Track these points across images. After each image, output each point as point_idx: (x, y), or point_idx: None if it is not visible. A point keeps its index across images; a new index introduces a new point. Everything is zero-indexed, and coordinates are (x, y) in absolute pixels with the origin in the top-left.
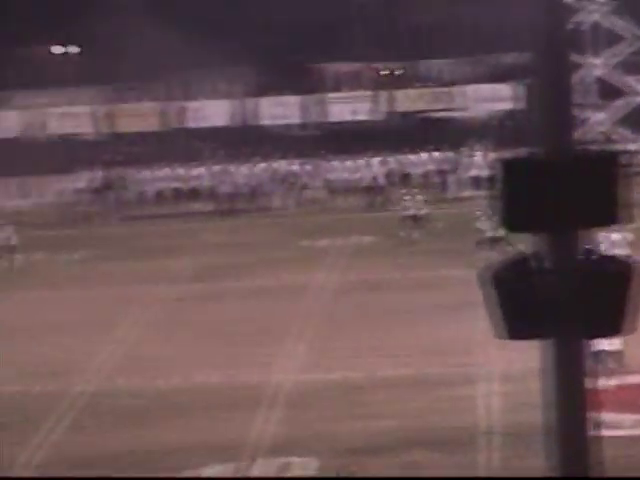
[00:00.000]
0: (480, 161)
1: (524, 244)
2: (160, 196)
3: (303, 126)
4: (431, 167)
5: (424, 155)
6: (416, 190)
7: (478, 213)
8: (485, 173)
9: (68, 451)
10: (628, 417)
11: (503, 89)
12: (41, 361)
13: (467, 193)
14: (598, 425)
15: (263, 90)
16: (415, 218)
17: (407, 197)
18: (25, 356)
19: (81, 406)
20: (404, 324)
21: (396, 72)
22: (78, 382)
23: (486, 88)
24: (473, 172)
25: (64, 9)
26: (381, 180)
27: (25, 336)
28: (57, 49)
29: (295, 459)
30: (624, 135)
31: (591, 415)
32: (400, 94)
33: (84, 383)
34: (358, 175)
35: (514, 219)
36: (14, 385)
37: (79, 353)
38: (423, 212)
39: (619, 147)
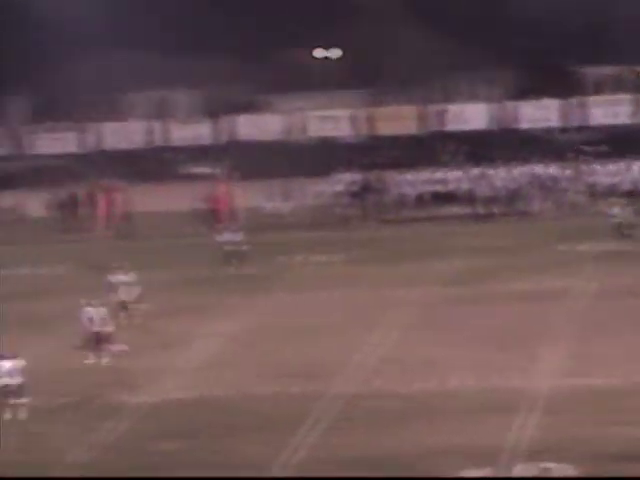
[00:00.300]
0: None
1: None
2: (419, 199)
3: (563, 130)
4: None
5: None
6: None
7: None
8: None
9: (324, 453)
10: None
11: None
12: (299, 362)
13: None
14: None
15: (522, 93)
16: None
17: None
18: (283, 357)
19: (338, 408)
20: None
21: None
22: (335, 384)
23: None
24: None
25: (327, 13)
26: None
27: (283, 337)
28: (319, 53)
29: (553, 465)
30: None
31: None
32: None
33: (341, 385)
34: (618, 179)
35: None
36: (272, 386)
37: (336, 355)
38: None
39: None
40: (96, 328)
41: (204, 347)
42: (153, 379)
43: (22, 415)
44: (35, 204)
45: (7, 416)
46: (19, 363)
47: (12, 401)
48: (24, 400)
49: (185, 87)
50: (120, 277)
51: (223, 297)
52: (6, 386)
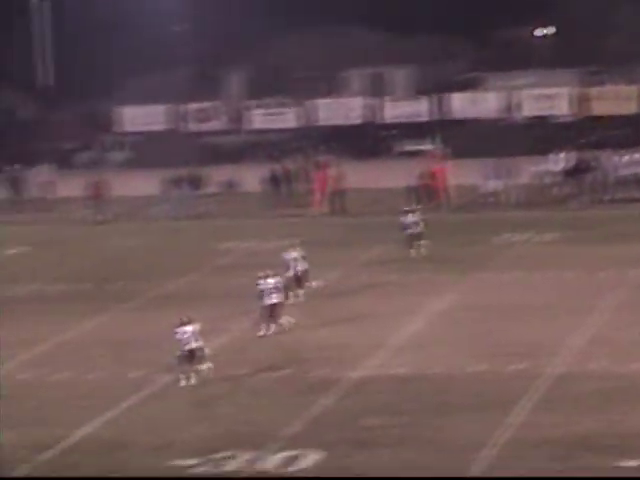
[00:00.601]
0: None
1: None
2: (636, 180)
3: None
4: None
5: None
6: None
7: None
8: None
9: (533, 432)
10: None
11: None
12: (512, 341)
13: None
14: None
15: None
16: None
17: None
18: (497, 336)
19: (548, 388)
20: None
21: None
22: (548, 363)
23: None
24: None
25: None
26: None
27: (494, 316)
28: (539, 31)
29: None
30: None
31: None
32: None
33: (553, 365)
34: None
35: None
36: (484, 365)
37: (547, 335)
38: None
39: None
40: (271, 301)
41: (413, 324)
42: (359, 354)
43: (193, 381)
44: (250, 178)
45: (190, 382)
46: (197, 327)
47: (195, 367)
48: (206, 365)
49: (401, 64)
50: (293, 254)
51: (432, 275)
52: (192, 350)
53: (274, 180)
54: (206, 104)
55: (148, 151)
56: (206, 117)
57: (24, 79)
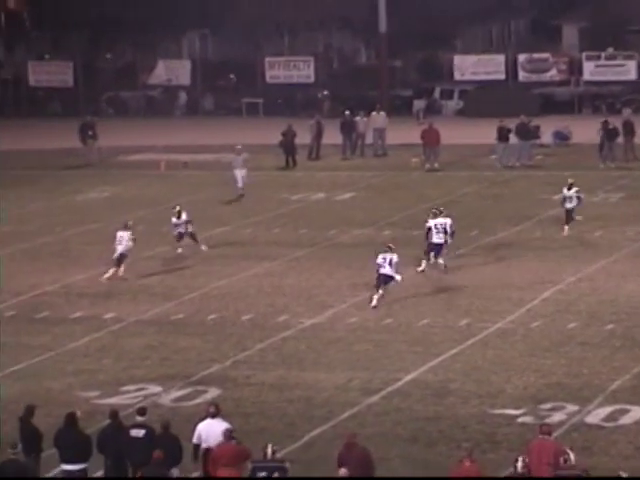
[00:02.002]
0: None
1: None
2: None
3: None
4: None
5: None
6: None
7: None
8: None
9: None
10: None
11: None
12: None
13: None
14: None
15: None
16: None
17: None
18: None
19: None
20: None
21: None
22: None
23: None
24: None
25: None
26: None
27: None
28: None
29: None
30: None
31: None
32: None
33: None
34: None
35: None
36: None
37: None
38: None
39: None
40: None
41: None
42: None
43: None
44: (583, 130)
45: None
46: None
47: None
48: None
49: None
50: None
51: None
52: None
53: (608, 133)
54: (541, 55)
55: (481, 100)
56: (541, 68)
57: (363, 26)
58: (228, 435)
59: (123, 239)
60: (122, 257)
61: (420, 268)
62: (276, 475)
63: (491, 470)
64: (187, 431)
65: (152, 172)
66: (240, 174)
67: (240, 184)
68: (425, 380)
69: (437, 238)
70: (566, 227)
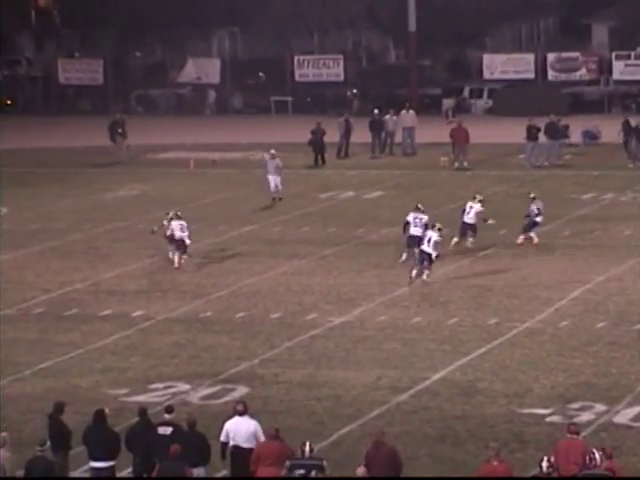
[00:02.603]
0: None
1: None
2: None
3: None
4: None
5: None
6: None
7: None
8: None
9: None
10: None
11: None
12: None
13: None
14: None
15: None
16: None
17: None
18: None
19: None
20: None
21: None
22: None
23: None
24: None
25: None
26: None
27: None
28: None
29: None
30: None
31: None
32: None
33: None
34: None
35: None
36: None
37: None
38: None
39: None
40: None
41: None
42: None
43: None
44: (613, 130)
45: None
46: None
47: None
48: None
49: None
50: None
51: None
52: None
53: (636, 132)
54: (571, 54)
55: (511, 99)
56: (570, 67)
57: (393, 24)
58: (273, 434)
59: (178, 227)
60: (182, 243)
61: (401, 259)
62: (313, 473)
63: (519, 470)
64: (215, 429)
65: (181, 170)
66: (274, 181)
67: (274, 189)
68: (453, 379)
69: (415, 231)
70: None
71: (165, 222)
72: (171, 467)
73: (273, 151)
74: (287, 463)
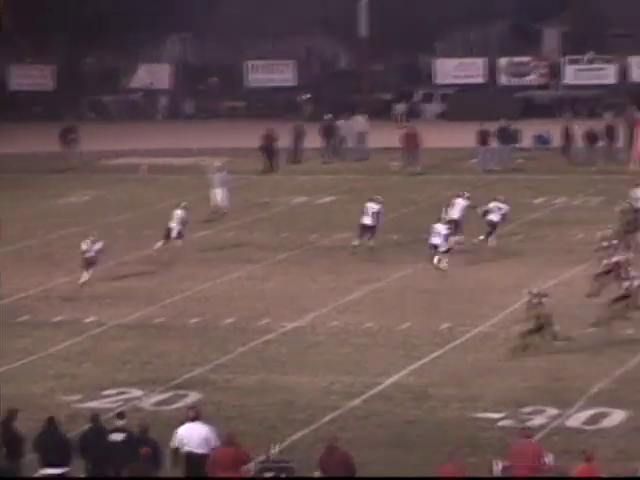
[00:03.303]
0: None
1: None
2: None
3: None
4: None
5: None
6: None
7: None
8: None
9: None
10: None
11: None
12: None
13: None
14: None
15: None
16: None
17: None
18: None
19: None
20: None
21: None
22: None
23: None
24: None
25: None
26: None
27: None
28: None
29: None
30: None
31: None
32: None
33: None
34: None
35: None
36: None
37: None
38: None
39: None
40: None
41: None
42: None
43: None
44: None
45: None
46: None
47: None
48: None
49: None
50: None
51: None
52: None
53: (589, 136)
54: (522, 58)
55: (462, 104)
56: (522, 71)
57: (345, 29)
58: (228, 440)
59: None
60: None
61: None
62: (283, 475)
63: (472, 474)
64: (168, 435)
65: (134, 176)
66: (220, 194)
67: (223, 203)
68: (406, 384)
69: (367, 220)
70: None
71: (85, 245)
72: (141, 469)
73: (219, 163)
74: (254, 466)
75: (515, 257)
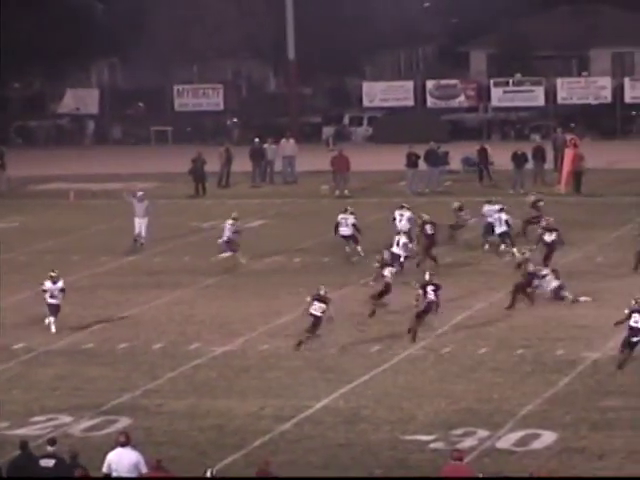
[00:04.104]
0: None
1: None
2: None
3: None
4: None
5: None
6: None
7: None
8: None
9: None
10: None
11: None
12: None
13: None
14: None
15: None
16: None
17: None
18: None
19: None
20: None
21: None
22: None
23: None
24: None
25: None
26: None
27: None
28: None
29: None
30: None
31: None
32: None
33: None
34: None
35: None
36: None
37: None
38: None
39: None
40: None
41: None
42: (599, 335)
43: None
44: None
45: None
46: None
47: None
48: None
49: None
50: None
51: None
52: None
53: (516, 158)
54: (449, 81)
55: (390, 127)
56: (449, 94)
57: (273, 54)
58: (157, 465)
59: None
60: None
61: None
62: None
63: None
64: (97, 461)
65: (62, 201)
66: (141, 224)
67: (143, 233)
68: (337, 407)
69: (344, 231)
70: None
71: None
72: None
73: (141, 193)
74: None
75: (445, 279)
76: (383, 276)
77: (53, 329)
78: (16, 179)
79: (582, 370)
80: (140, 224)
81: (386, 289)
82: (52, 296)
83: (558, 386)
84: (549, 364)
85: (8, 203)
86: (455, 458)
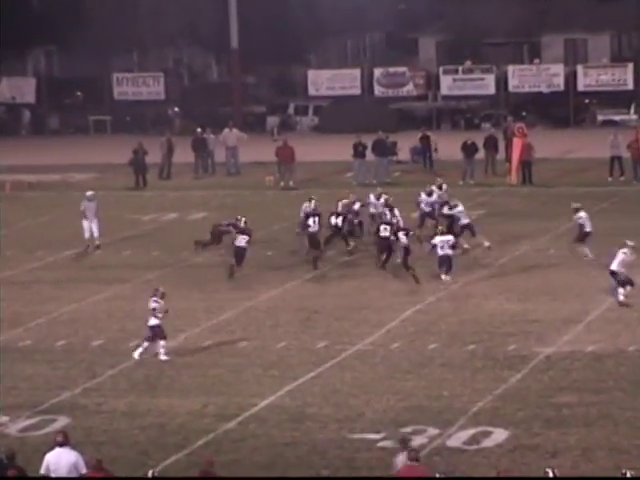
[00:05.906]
0: None
1: None
2: None
3: None
4: None
5: None
6: None
7: None
8: None
9: None
10: None
11: None
12: None
13: None
14: None
15: None
16: None
17: None
18: None
19: None
20: None
21: None
22: None
23: None
24: None
25: None
26: None
27: None
28: None
29: None
30: None
31: None
32: None
33: None
34: None
35: None
36: None
37: None
38: None
39: None
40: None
41: (607, 299)
42: (552, 330)
43: None
44: (441, 146)
45: None
46: None
47: None
48: None
49: (599, 31)
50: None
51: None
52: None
53: (466, 148)
54: (398, 69)
55: (337, 116)
56: (398, 82)
57: (215, 42)
58: (97, 466)
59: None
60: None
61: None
62: None
63: None
64: (36, 462)
65: None
66: (93, 224)
67: (96, 234)
68: (282, 405)
69: (312, 228)
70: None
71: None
72: None
73: (90, 193)
74: None
75: (393, 274)
76: (398, 239)
77: None
78: None
79: (534, 366)
80: (90, 227)
81: (407, 252)
82: None
83: (510, 382)
84: (500, 360)
85: None
86: (411, 459)
